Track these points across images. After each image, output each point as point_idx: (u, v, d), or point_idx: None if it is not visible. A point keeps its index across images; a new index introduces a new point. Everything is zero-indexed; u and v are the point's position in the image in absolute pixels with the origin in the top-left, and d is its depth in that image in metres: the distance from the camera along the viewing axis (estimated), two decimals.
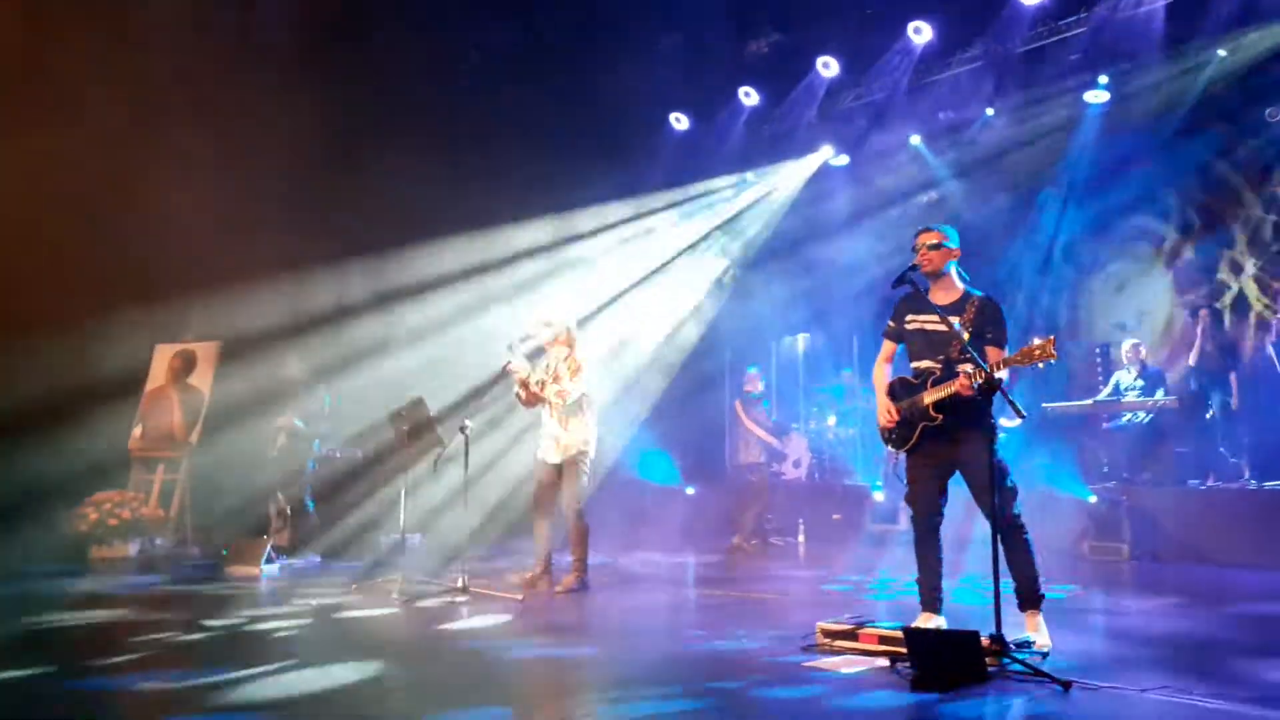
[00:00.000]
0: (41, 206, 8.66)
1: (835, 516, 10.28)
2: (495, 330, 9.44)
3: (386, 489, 8.30)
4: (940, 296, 4.65)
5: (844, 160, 11.68)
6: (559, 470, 6.62)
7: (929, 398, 4.51)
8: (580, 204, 11.09)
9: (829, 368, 12.34)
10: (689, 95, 11.46)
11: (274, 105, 8.94)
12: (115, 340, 9.02)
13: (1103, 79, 9.72)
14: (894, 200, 11.59)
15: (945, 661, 3.80)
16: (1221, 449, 8.94)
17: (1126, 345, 9.61)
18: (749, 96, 11.18)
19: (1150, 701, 3.57)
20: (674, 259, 11.96)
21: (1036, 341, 4.17)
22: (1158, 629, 5.23)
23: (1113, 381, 9.59)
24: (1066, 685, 3.67)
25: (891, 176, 11.63)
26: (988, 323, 4.51)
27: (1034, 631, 4.35)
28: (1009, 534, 4.34)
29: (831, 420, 11.70)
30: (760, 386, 10.21)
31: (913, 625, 4.30)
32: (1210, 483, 8.70)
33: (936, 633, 4.21)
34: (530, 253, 10.73)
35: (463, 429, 6.46)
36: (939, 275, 4.65)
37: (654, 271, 11.75)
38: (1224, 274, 10.26)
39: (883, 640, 4.23)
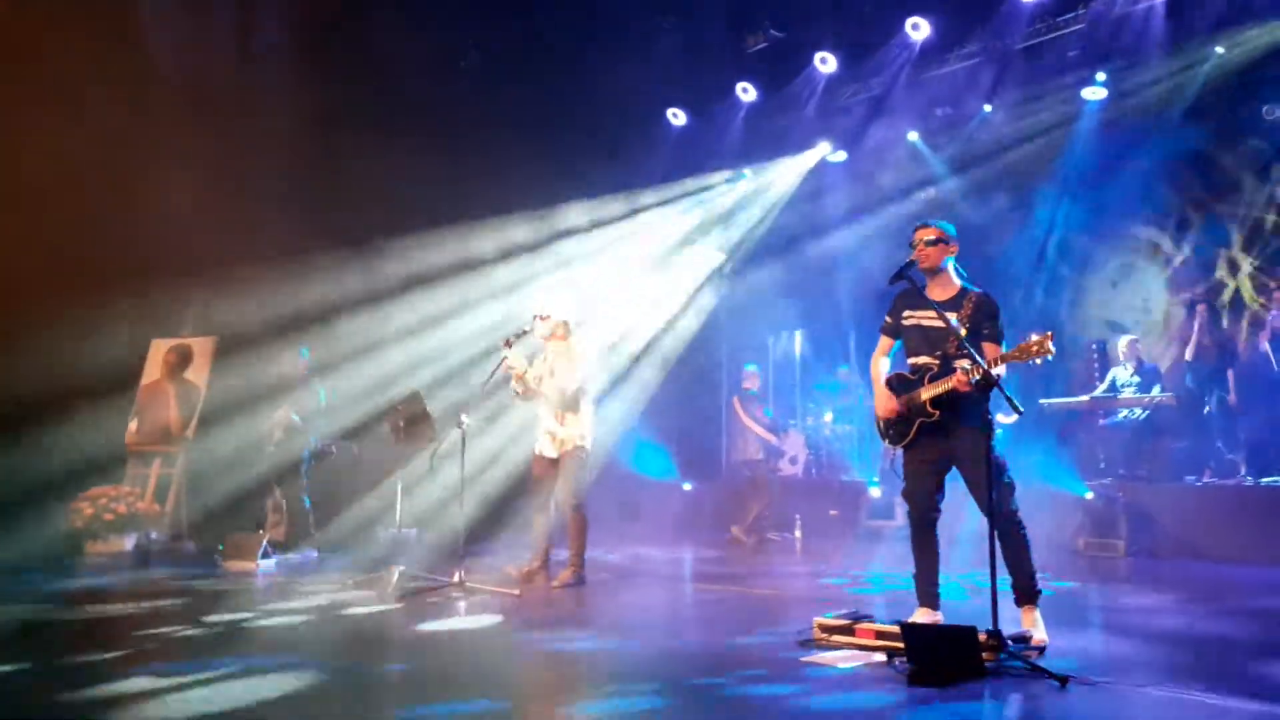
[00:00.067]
0: (38, 202, 8.64)
1: (832, 512, 10.28)
2: (492, 325, 9.46)
3: (383, 484, 8.29)
4: (937, 292, 4.65)
5: (841, 156, 11.67)
6: (556, 464, 6.62)
7: (926, 393, 4.50)
8: (578, 199, 11.08)
9: (826, 364, 12.33)
10: (687, 91, 11.45)
11: (272, 102, 8.92)
12: (111, 335, 9.01)
13: (1100, 76, 9.72)
14: (892, 196, 11.58)
15: (942, 657, 3.80)
16: (1218, 445, 8.96)
17: (1123, 342, 9.62)
18: (747, 92, 11.16)
19: (1147, 697, 3.57)
20: (671, 254, 11.96)
21: (1034, 337, 4.17)
22: (1154, 625, 5.24)
23: (1109, 378, 9.60)
24: (1063, 681, 3.67)
25: (889, 173, 11.62)
26: (985, 319, 4.51)
27: (1031, 627, 4.35)
28: (1006, 530, 4.34)
29: (828, 416, 11.70)
30: (758, 384, 10.22)
31: (909, 620, 4.30)
32: (1206, 479, 8.72)
33: (933, 628, 4.22)
34: (528, 248, 10.73)
35: (460, 424, 6.46)
36: (936, 271, 4.65)
37: (651, 267, 11.76)
38: (1221, 272, 10.27)
39: (880, 635, 4.23)
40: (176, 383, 9.69)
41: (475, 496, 8.19)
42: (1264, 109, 9.58)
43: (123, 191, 8.66)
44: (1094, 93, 9.95)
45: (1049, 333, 4.18)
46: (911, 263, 4.56)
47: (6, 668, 4.03)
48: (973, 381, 4.24)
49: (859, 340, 11.74)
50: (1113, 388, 9.46)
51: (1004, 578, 4.20)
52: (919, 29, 9.83)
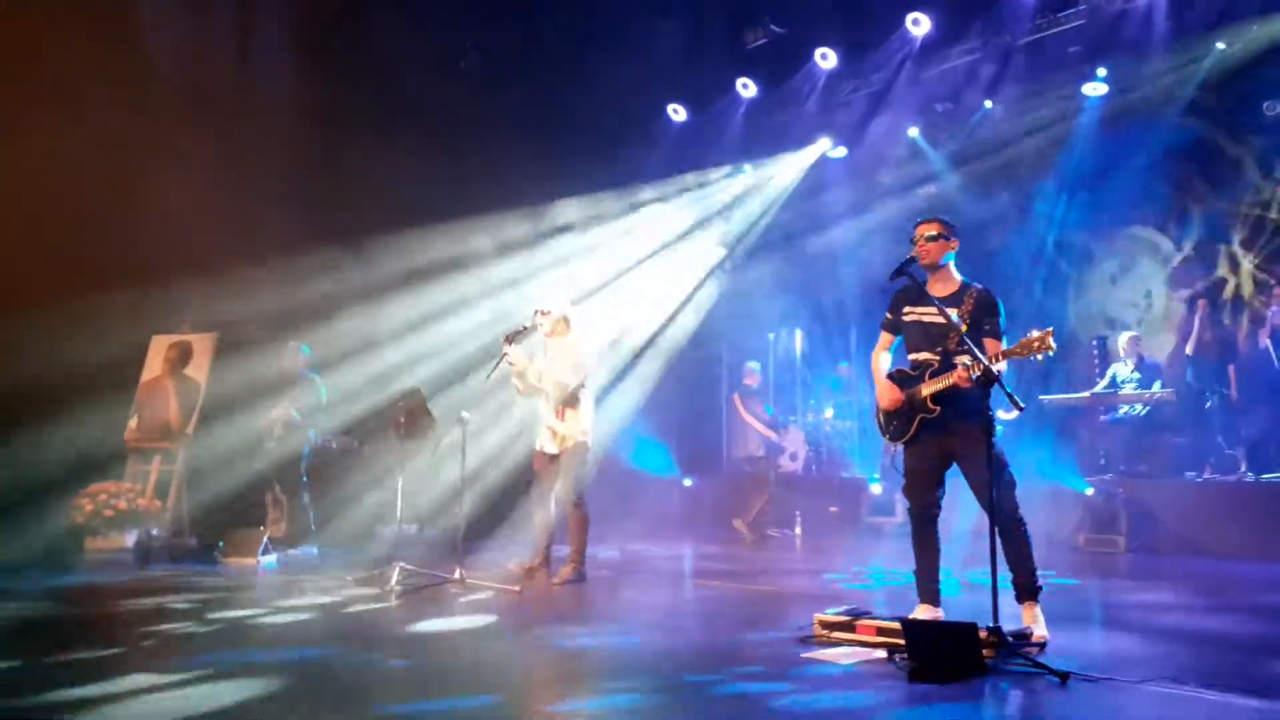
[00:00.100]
0: (39, 198, 8.63)
1: (832, 509, 10.29)
2: (492, 321, 9.46)
3: (384, 480, 8.29)
4: (938, 288, 4.64)
5: (842, 152, 11.66)
6: (556, 460, 6.62)
7: (927, 389, 4.50)
8: (578, 194, 11.08)
9: (826, 360, 12.33)
10: (687, 87, 11.44)
11: (272, 102, 8.91)
12: (112, 331, 9.00)
13: (1101, 71, 9.72)
14: (892, 192, 11.59)
15: (943, 653, 3.80)
16: (1219, 440, 8.95)
17: (1124, 338, 9.62)
18: (747, 88, 11.16)
19: (1147, 693, 3.57)
20: (671, 250, 11.95)
21: (1035, 333, 4.17)
22: (1155, 621, 5.24)
23: (1110, 374, 9.60)
24: (1064, 677, 3.66)
25: (890, 168, 11.62)
26: (986, 314, 4.51)
27: (1031, 623, 4.35)
28: (1007, 526, 4.34)
29: (829, 413, 11.70)
30: (758, 381, 10.22)
31: (910, 617, 4.30)
32: (1207, 475, 8.72)
33: (934, 624, 4.22)
34: (528, 243, 10.73)
35: (461, 420, 6.45)
36: (937, 267, 4.65)
37: (651, 262, 11.75)
38: (1222, 269, 10.26)
39: (880, 632, 4.23)
40: (177, 379, 9.68)
41: (476, 493, 8.18)
42: (1265, 104, 9.58)
43: (123, 191, 8.66)
44: (1095, 88, 9.95)
45: (1050, 328, 4.17)
46: (912, 258, 4.56)
47: (6, 665, 4.03)
48: (973, 377, 4.24)
49: (859, 336, 11.74)
50: (1113, 384, 9.46)
51: (1004, 574, 4.20)
52: (919, 24, 9.83)
